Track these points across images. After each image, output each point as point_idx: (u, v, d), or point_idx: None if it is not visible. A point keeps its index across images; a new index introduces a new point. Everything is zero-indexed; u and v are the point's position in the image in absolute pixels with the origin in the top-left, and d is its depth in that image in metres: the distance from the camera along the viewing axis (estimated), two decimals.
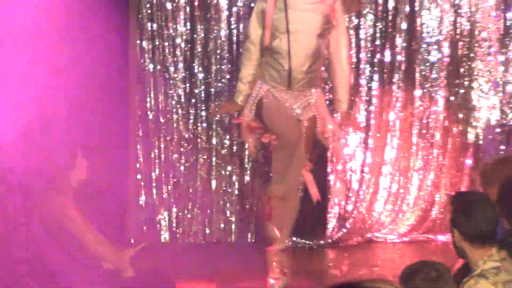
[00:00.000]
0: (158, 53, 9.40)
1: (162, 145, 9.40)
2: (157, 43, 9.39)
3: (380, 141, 9.43)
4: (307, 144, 7.33)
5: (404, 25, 9.32)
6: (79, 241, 6.49)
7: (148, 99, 9.39)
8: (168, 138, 9.40)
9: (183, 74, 9.43)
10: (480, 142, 9.34)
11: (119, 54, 9.25)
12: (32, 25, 8.82)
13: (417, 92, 9.42)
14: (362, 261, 8.75)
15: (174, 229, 9.41)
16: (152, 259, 8.54)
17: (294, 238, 8.64)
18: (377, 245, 9.19)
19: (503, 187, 5.76)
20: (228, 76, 9.32)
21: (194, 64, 9.41)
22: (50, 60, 8.89)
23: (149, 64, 9.39)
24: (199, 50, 9.37)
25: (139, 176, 9.38)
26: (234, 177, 9.42)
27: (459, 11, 9.31)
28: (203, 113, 9.37)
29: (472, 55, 9.35)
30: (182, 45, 9.40)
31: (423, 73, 9.38)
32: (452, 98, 9.39)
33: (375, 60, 9.37)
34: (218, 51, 9.37)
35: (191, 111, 9.42)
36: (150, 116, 9.38)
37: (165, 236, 9.41)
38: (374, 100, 9.38)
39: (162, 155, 9.40)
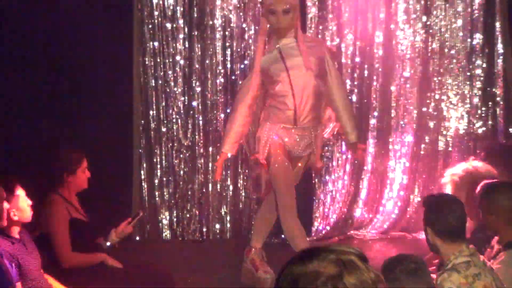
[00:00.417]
0: (159, 69, 9.39)
1: (164, 152, 9.40)
2: (158, 60, 9.39)
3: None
4: (302, 171, 7.43)
5: (380, 45, 9.33)
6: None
7: (150, 111, 9.39)
8: (169, 146, 9.41)
9: (182, 88, 9.43)
10: (450, 149, 9.36)
11: (124, 69, 9.25)
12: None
13: (393, 104, 9.44)
14: None
15: (175, 227, 9.41)
16: (154, 255, 8.57)
17: (283, 236, 8.64)
18: (357, 242, 9.19)
19: (470, 190, 5.81)
20: (222, 89, 9.32)
21: (192, 79, 9.41)
22: (62, 74, 8.93)
23: (151, 79, 9.38)
24: (197, 66, 9.38)
25: (142, 180, 9.38)
26: (228, 181, 9.43)
27: (430, 31, 9.33)
28: (201, 123, 9.37)
29: (442, 70, 9.36)
30: (181, 62, 9.40)
31: (398, 86, 9.39)
32: (424, 109, 9.39)
33: (355, 75, 9.38)
34: (214, 67, 9.37)
35: (189, 121, 9.43)
36: (153, 126, 9.38)
37: (166, 234, 9.41)
38: (356, 109, 9.39)
39: (164, 161, 9.40)
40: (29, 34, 8.76)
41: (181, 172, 9.41)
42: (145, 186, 9.37)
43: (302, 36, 7.03)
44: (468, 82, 9.33)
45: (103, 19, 8.92)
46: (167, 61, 9.40)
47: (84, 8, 8.84)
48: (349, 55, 9.37)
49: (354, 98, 9.37)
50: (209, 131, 9.41)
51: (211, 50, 9.33)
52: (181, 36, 9.31)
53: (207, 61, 9.35)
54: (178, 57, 9.36)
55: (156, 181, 9.38)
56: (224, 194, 9.42)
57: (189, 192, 9.41)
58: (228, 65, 9.33)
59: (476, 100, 9.32)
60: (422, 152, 9.42)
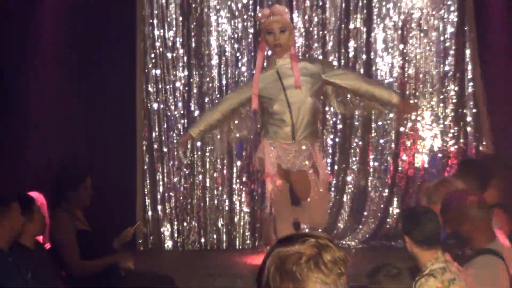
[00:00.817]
0: (161, 94, 9.41)
1: (165, 170, 9.40)
2: (160, 86, 9.41)
3: (343, 165, 9.45)
4: (302, 187, 7.17)
5: (362, 70, 9.36)
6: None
7: (153, 132, 9.40)
8: (170, 164, 9.41)
9: (182, 112, 9.44)
10: (425, 165, 9.37)
11: (129, 95, 9.28)
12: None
13: (373, 125, 9.45)
14: None
15: (176, 238, 9.39)
16: (157, 264, 8.55)
17: None
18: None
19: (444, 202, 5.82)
20: None
21: (190, 104, 9.43)
22: (73, 101, 8.94)
23: (153, 104, 9.40)
24: (195, 91, 9.40)
25: (146, 195, 9.37)
26: (224, 196, 9.43)
27: (406, 58, 9.36)
28: (198, 144, 9.35)
29: (417, 93, 9.37)
30: (181, 88, 9.42)
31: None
32: (401, 129, 9.41)
33: (339, 99, 9.36)
34: (210, 92, 9.39)
35: (188, 142, 9.40)
36: (155, 146, 9.39)
37: (168, 244, 9.38)
38: (339, 131, 9.41)
39: (165, 178, 9.40)
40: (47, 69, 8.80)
41: (181, 188, 9.41)
42: (148, 200, 9.36)
43: (296, 57, 7.00)
44: (441, 104, 9.35)
45: (110, 49, 8.96)
46: (168, 87, 9.41)
47: (93, 40, 8.87)
48: None
49: (338, 120, 9.38)
50: (206, 151, 9.40)
51: (208, 77, 9.35)
52: (180, 64, 9.35)
53: (205, 87, 9.37)
54: (178, 84, 9.38)
55: (159, 196, 9.37)
56: (221, 208, 9.42)
57: (189, 206, 9.41)
58: (224, 90, 9.35)
59: (448, 120, 9.33)
60: (400, 168, 9.41)
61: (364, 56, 9.37)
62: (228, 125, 7.29)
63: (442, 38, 9.31)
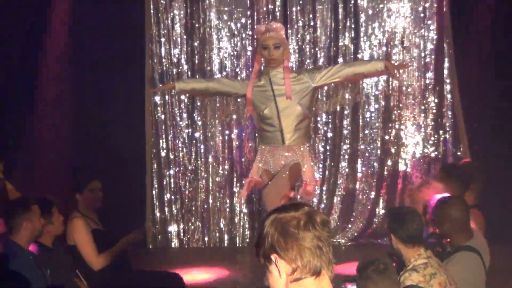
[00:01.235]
0: (167, 106, 9.41)
1: (172, 175, 9.39)
2: (166, 98, 9.40)
3: (333, 169, 9.45)
4: (292, 182, 6.96)
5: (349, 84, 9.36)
6: None
7: (160, 141, 9.40)
8: (176, 170, 9.40)
9: (186, 122, 9.45)
10: (408, 170, 9.36)
11: (139, 107, 9.29)
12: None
13: (361, 134, 9.45)
14: None
15: (182, 237, 9.38)
16: (165, 260, 8.55)
17: None
18: (333, 247, 9.11)
19: (426, 203, 5.81)
20: (219, 123, 9.32)
21: (194, 114, 9.42)
22: (88, 113, 8.94)
23: (161, 115, 9.40)
24: (198, 103, 9.35)
25: (154, 198, 9.36)
26: (226, 198, 9.42)
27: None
28: (202, 151, 9.37)
29: (401, 105, 9.37)
30: (185, 100, 9.42)
31: (366, 119, 9.41)
32: (386, 137, 9.41)
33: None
34: (212, 104, 9.36)
35: (192, 149, 9.44)
36: (162, 154, 9.39)
37: (174, 242, 9.37)
38: (329, 139, 9.41)
39: (172, 183, 9.39)
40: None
41: (186, 192, 9.40)
42: (157, 203, 9.35)
43: (289, 69, 6.96)
44: (422, 115, 9.34)
45: (122, 65, 8.96)
46: (173, 99, 9.41)
47: (107, 58, 8.88)
48: (324, 93, 9.34)
49: (329, 129, 9.37)
50: (209, 157, 9.40)
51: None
52: (184, 78, 9.33)
53: (206, 100, 9.33)
54: (182, 97, 9.35)
55: (166, 198, 9.37)
56: (222, 209, 9.41)
57: (193, 208, 9.40)
58: (224, 102, 9.32)
59: (429, 129, 9.33)
60: (385, 173, 9.40)
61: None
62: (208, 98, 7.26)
63: (422, 54, 9.31)
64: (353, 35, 9.35)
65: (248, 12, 9.36)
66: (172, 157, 9.39)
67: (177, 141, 9.41)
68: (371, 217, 9.37)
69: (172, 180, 9.38)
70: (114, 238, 6.76)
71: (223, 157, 9.38)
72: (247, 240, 9.37)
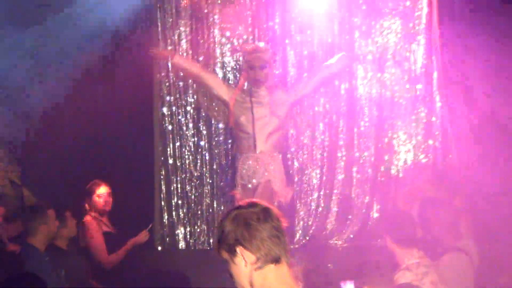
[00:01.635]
0: (174, 116, 9.38)
1: (179, 181, 9.36)
2: (173, 109, 9.38)
3: (330, 175, 9.42)
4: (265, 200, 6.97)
5: (345, 95, 9.36)
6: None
7: (168, 149, 9.37)
8: (182, 176, 9.37)
9: (192, 131, 9.41)
10: (400, 175, 9.33)
11: (146, 117, 9.29)
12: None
13: (355, 141, 9.43)
14: (319, 259, 8.69)
15: (188, 239, 9.36)
16: (172, 261, 8.53)
17: None
18: (330, 248, 9.14)
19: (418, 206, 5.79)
20: (223, 132, 9.30)
21: (200, 124, 9.40)
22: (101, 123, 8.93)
23: (168, 125, 9.38)
24: (203, 114, 9.37)
25: (162, 202, 9.34)
26: (229, 203, 9.39)
27: (383, 84, 9.34)
28: (207, 158, 9.35)
29: (393, 115, 9.34)
30: (191, 111, 9.40)
31: (361, 128, 9.39)
32: (379, 145, 9.39)
33: (326, 120, 9.39)
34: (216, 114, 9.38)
35: (198, 157, 9.41)
36: (170, 161, 9.36)
37: (181, 244, 9.33)
38: (326, 146, 9.39)
39: (179, 188, 9.36)
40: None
41: (192, 197, 9.37)
42: (165, 207, 9.32)
43: (272, 88, 6.88)
44: (413, 124, 9.30)
45: (131, 79, 8.95)
46: (180, 110, 9.39)
47: (118, 71, 8.89)
48: (321, 104, 9.38)
49: (326, 137, 9.36)
50: (214, 164, 9.39)
51: (214, 101, 9.32)
52: (190, 91, 9.31)
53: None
54: (188, 107, 9.35)
55: (173, 203, 9.33)
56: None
57: (199, 212, 9.37)
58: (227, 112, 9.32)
59: (420, 137, 9.30)
60: (379, 179, 9.38)
61: (347, 84, 9.35)
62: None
63: (413, 67, 9.29)
64: (348, 50, 9.33)
65: (250, 29, 9.35)
66: (179, 164, 9.36)
67: (183, 149, 9.38)
68: (365, 220, 9.32)
69: (179, 185, 9.34)
70: (125, 240, 6.76)
71: (226, 164, 9.36)
72: None
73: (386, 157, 9.36)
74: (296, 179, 9.35)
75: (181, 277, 6.70)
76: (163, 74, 9.33)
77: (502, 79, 8.45)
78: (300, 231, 9.28)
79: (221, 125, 9.28)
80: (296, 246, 9.16)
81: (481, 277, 5.46)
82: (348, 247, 9.16)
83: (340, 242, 9.26)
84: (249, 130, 6.71)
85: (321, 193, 9.35)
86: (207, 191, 9.39)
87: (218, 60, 9.35)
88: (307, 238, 9.25)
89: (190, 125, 9.41)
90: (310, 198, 9.36)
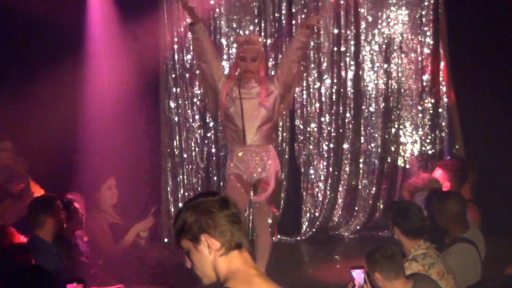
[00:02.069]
0: (180, 109, 9.38)
1: (185, 173, 9.36)
2: (180, 102, 9.38)
3: (337, 167, 9.41)
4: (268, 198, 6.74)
5: (352, 86, 9.35)
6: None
7: (174, 141, 9.38)
8: (189, 168, 9.37)
9: (199, 123, 9.41)
10: (407, 166, 9.31)
11: (153, 110, 9.29)
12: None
13: (362, 132, 9.41)
14: (326, 251, 8.70)
15: None
16: (179, 252, 8.51)
17: (279, 236, 8.60)
18: (337, 240, 9.14)
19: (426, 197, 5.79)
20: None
21: (206, 116, 9.39)
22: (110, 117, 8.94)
23: (174, 117, 9.37)
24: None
25: (169, 194, 9.34)
26: None
27: (390, 75, 9.33)
28: (213, 150, 9.35)
29: (399, 106, 9.33)
30: (197, 103, 9.39)
31: (366, 118, 9.37)
32: (386, 136, 9.38)
33: (333, 110, 9.37)
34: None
35: (204, 149, 9.41)
36: (176, 153, 9.36)
37: None
38: (333, 137, 9.37)
39: (185, 180, 9.36)
40: None
41: (199, 188, 9.35)
42: (171, 199, 9.32)
43: (264, 79, 6.79)
44: (420, 115, 9.30)
45: (139, 72, 8.95)
46: (186, 102, 9.39)
47: (125, 65, 8.89)
48: (328, 95, 9.37)
49: (332, 129, 9.34)
50: (220, 156, 9.38)
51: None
52: (196, 83, 9.29)
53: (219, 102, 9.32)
54: (195, 99, 9.35)
55: (180, 195, 9.33)
56: None
57: None
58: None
59: (426, 128, 9.29)
60: (385, 169, 9.37)
61: (353, 74, 9.33)
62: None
63: (420, 58, 9.27)
64: (354, 41, 9.31)
65: (256, 20, 9.33)
66: (185, 156, 9.35)
67: (189, 141, 9.38)
68: (372, 211, 9.33)
69: (185, 177, 9.35)
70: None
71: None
72: (249, 232, 9.32)
73: (392, 148, 9.36)
74: (302, 170, 9.34)
75: (187, 268, 6.70)
76: (169, 66, 9.32)
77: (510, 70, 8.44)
78: (306, 223, 9.27)
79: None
80: (303, 237, 9.15)
81: (488, 268, 5.46)
82: (355, 238, 9.16)
83: (346, 234, 9.26)
84: (238, 122, 6.61)
85: (328, 184, 9.34)
86: (213, 182, 9.39)
87: (224, 52, 9.33)
88: (314, 229, 9.24)
89: (197, 117, 9.41)
90: (317, 189, 9.35)
